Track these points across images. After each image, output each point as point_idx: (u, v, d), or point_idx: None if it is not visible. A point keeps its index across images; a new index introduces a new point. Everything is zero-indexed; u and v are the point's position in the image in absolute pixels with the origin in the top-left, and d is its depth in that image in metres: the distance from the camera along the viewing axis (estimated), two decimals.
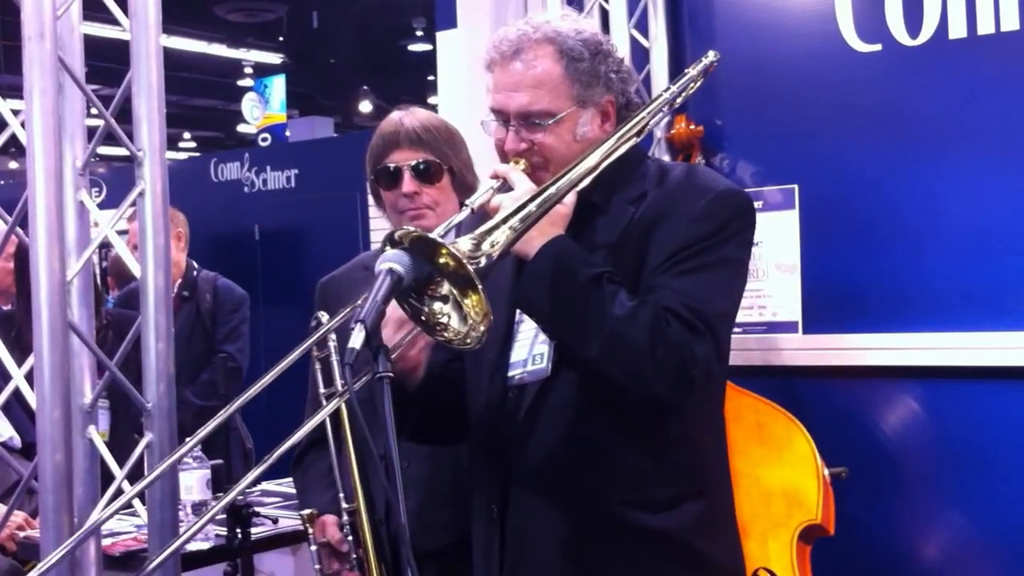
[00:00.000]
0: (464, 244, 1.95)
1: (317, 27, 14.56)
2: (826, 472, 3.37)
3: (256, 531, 3.44)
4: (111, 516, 1.97)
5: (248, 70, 16.41)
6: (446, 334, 1.97)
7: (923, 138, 3.55)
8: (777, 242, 3.79)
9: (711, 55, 2.44)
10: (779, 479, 3.36)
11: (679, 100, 2.46)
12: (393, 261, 1.89)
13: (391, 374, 1.84)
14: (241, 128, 17.97)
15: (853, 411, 3.70)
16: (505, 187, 2.18)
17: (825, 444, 3.43)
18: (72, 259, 2.49)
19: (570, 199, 2.18)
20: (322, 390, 2.83)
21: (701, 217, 2.19)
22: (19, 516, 3.78)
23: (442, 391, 2.37)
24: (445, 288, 1.95)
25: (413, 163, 2.89)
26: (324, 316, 2.79)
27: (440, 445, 2.56)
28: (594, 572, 2.24)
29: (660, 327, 2.07)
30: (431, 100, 11.20)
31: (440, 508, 2.86)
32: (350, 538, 2.88)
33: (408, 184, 2.89)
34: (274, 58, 16.07)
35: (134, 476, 2.52)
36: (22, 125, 2.40)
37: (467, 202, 2.17)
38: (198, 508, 3.35)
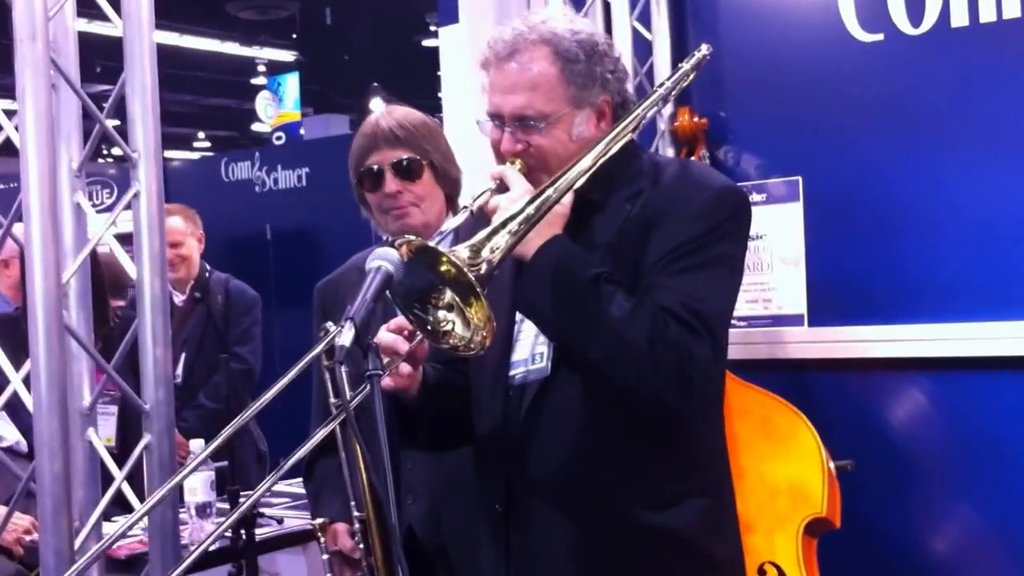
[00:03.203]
0: (463, 252, 1.96)
1: (331, 24, 14.56)
2: (831, 465, 3.35)
3: (261, 532, 3.44)
4: (121, 534, 1.96)
5: (261, 68, 16.39)
6: (451, 341, 1.98)
7: (927, 128, 3.53)
8: (781, 235, 3.77)
9: (703, 49, 2.43)
10: (784, 473, 3.35)
11: (673, 95, 2.46)
12: (383, 259, 1.89)
13: (380, 372, 1.84)
14: (256, 127, 17.98)
15: (859, 404, 3.68)
16: (502, 188, 2.17)
17: (832, 437, 3.42)
18: (69, 261, 2.48)
19: (567, 199, 2.18)
20: (332, 400, 2.82)
21: (698, 215, 2.18)
22: (25, 520, 3.77)
23: (442, 398, 2.35)
24: (448, 296, 1.95)
25: (393, 161, 2.89)
26: (331, 326, 2.78)
27: (451, 449, 2.56)
28: (600, 570, 2.23)
29: (658, 328, 2.06)
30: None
31: (447, 508, 2.86)
32: (362, 546, 2.88)
33: (391, 183, 2.90)
34: (287, 56, 16.05)
35: (133, 478, 2.53)
36: (16, 129, 2.39)
37: (466, 204, 2.16)
38: (202, 509, 3.35)
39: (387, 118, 2.95)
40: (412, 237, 1.94)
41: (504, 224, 2.04)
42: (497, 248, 1.99)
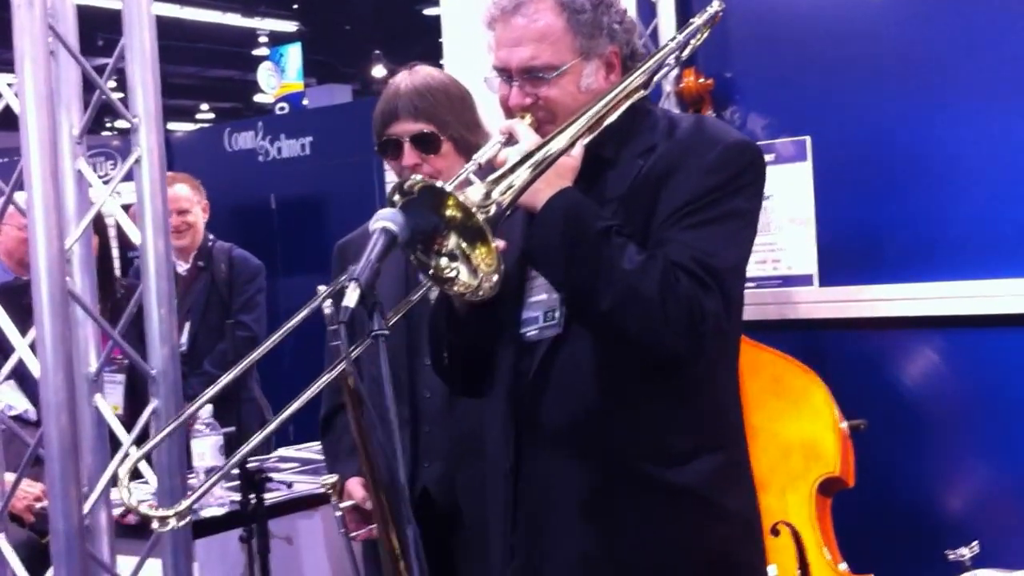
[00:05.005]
0: (474, 193, 1.93)
1: None
2: (844, 424, 3.35)
3: (271, 496, 3.44)
4: (122, 479, 1.97)
5: (263, 39, 16.35)
6: (456, 287, 1.96)
7: (936, 83, 3.51)
8: (790, 195, 3.75)
9: (716, 4, 2.40)
10: (797, 432, 3.35)
11: (686, 51, 2.42)
12: (387, 220, 1.87)
13: (386, 332, 1.82)
14: (258, 98, 17.94)
15: (871, 363, 3.68)
16: (512, 142, 2.15)
17: (844, 396, 3.41)
18: (72, 227, 2.47)
19: (577, 151, 2.16)
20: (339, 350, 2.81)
21: (711, 169, 2.17)
22: (36, 488, 3.78)
23: (487, 325, 2.32)
24: (452, 242, 1.93)
25: (412, 134, 2.82)
26: (322, 288, 2.76)
27: (467, 391, 2.53)
28: (610, 527, 2.22)
29: (669, 282, 2.05)
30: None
31: (461, 470, 2.86)
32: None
33: (409, 156, 2.83)
34: (289, 26, 16.01)
35: (142, 443, 2.52)
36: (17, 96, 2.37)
37: (474, 157, 2.15)
38: (211, 474, 3.34)
39: (409, 84, 2.86)
40: (419, 177, 1.91)
41: (512, 169, 2.02)
42: (507, 191, 1.97)
